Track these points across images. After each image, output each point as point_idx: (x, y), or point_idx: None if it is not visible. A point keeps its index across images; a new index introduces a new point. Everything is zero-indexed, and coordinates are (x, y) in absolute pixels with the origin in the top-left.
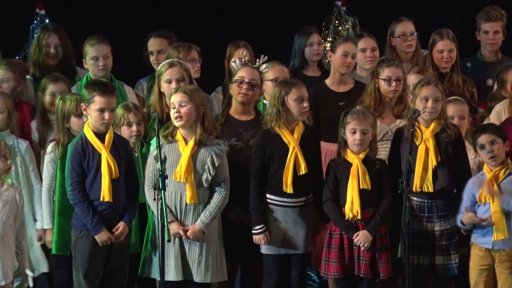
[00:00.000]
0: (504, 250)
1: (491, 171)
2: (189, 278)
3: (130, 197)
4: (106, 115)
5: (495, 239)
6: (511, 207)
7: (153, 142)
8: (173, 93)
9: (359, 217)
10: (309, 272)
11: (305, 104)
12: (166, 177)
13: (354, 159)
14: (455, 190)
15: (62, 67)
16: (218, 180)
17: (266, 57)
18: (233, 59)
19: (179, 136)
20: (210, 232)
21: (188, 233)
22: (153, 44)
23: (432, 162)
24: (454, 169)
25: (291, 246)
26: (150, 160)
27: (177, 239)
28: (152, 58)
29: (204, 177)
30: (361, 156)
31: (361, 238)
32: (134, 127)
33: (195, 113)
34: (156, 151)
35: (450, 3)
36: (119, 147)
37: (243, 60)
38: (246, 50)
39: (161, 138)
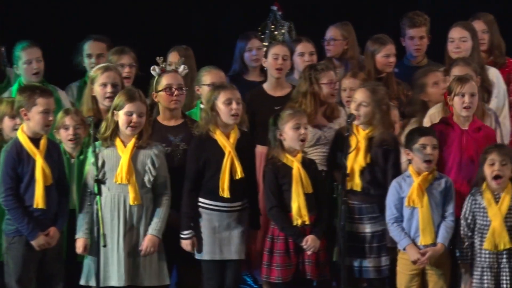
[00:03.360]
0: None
1: (419, 174)
2: (133, 283)
3: (61, 202)
4: (51, 117)
5: (422, 243)
6: (439, 211)
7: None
8: (127, 101)
9: (307, 222)
10: (244, 277)
11: (234, 106)
12: (103, 183)
13: (293, 162)
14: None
15: None
16: (160, 181)
17: (161, 58)
18: (152, 67)
19: (117, 139)
20: (138, 230)
21: (144, 246)
22: (92, 47)
23: (360, 163)
24: (385, 172)
25: (226, 252)
26: (91, 167)
27: (121, 244)
28: (89, 61)
29: (146, 178)
30: (299, 158)
31: (311, 243)
32: (70, 130)
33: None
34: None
35: (384, 8)
36: (52, 152)
37: (161, 66)
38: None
39: (98, 143)
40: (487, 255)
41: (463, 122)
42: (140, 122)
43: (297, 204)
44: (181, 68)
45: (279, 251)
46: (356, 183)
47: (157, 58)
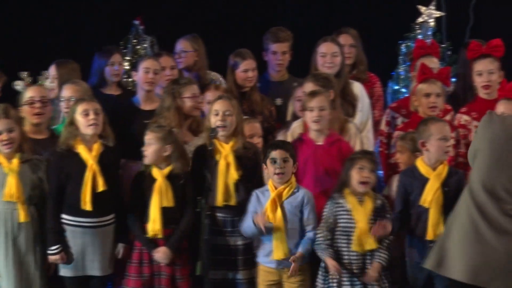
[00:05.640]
0: (288, 268)
1: (276, 188)
2: None
3: None
4: None
5: (274, 258)
6: (295, 225)
7: None
8: None
9: (160, 235)
10: None
11: (91, 117)
12: None
13: (158, 174)
14: None
15: None
16: (43, 194)
17: (46, 73)
18: (16, 82)
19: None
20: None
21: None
22: None
23: (233, 176)
24: (252, 184)
25: (89, 268)
26: None
27: (10, 260)
28: None
29: (33, 193)
30: (165, 171)
31: (161, 255)
32: None
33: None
34: None
35: (246, 23)
36: None
37: (26, 80)
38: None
39: None
40: (354, 257)
41: (317, 137)
42: (11, 138)
43: (153, 216)
44: (47, 82)
45: (134, 261)
46: (231, 197)
47: (21, 73)
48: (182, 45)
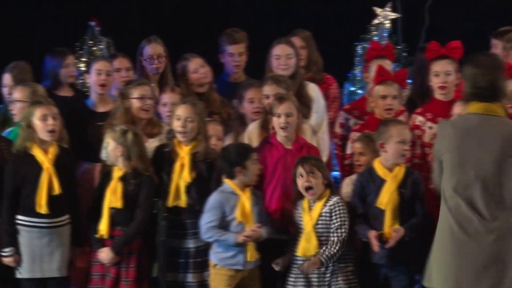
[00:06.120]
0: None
1: (242, 190)
2: None
3: None
4: None
5: (249, 259)
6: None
7: None
8: None
9: (105, 236)
10: None
11: (50, 122)
12: None
13: (114, 175)
14: None
15: None
16: None
17: None
18: None
19: None
20: None
21: None
22: None
23: (185, 178)
24: (207, 188)
25: (46, 269)
26: None
27: None
28: None
29: None
30: (120, 172)
31: (103, 255)
32: None
33: None
34: None
35: (201, 25)
36: None
37: None
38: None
39: None
40: (299, 262)
41: (286, 141)
42: None
43: (103, 217)
44: None
45: (92, 259)
46: (182, 199)
47: None
48: (157, 50)
